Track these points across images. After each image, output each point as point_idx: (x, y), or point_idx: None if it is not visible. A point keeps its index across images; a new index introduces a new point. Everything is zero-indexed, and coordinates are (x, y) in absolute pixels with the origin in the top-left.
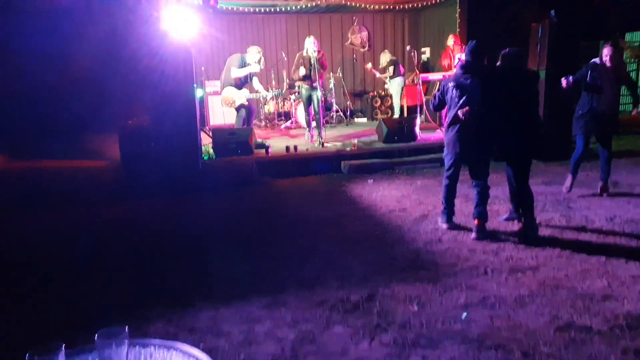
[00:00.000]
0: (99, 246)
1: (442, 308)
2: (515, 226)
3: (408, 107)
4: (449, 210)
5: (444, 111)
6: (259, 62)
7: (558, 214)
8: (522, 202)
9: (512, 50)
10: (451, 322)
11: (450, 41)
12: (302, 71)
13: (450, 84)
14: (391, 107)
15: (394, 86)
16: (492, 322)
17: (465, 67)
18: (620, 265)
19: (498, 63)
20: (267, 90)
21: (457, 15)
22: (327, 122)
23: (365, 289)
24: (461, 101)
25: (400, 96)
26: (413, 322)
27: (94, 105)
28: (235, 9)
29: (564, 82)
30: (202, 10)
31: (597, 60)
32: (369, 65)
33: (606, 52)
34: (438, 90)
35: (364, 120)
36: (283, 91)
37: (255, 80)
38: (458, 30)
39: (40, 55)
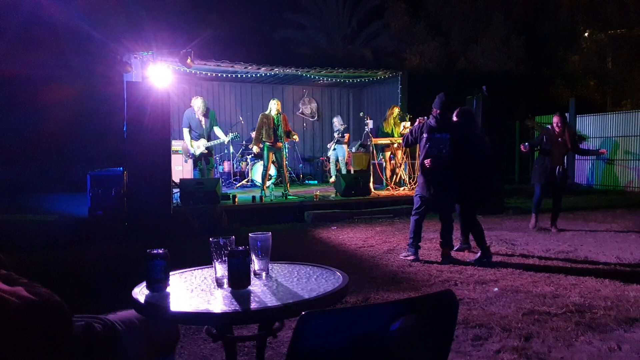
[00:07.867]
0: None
1: None
2: (467, 256)
3: (355, 172)
4: (415, 243)
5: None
6: (205, 112)
7: (504, 247)
8: (474, 232)
9: (468, 108)
10: None
11: (395, 112)
12: (266, 130)
13: (424, 135)
14: (339, 171)
15: (341, 152)
16: (470, 312)
17: (437, 119)
18: (561, 277)
19: (455, 119)
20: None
21: (399, 90)
22: (280, 182)
23: (358, 296)
24: (427, 152)
25: (345, 162)
26: None
27: (57, 163)
28: (197, 73)
29: (522, 147)
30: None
31: (549, 126)
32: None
33: (555, 119)
34: (412, 131)
35: (315, 182)
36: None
37: (216, 129)
38: (400, 104)
39: (13, 111)
